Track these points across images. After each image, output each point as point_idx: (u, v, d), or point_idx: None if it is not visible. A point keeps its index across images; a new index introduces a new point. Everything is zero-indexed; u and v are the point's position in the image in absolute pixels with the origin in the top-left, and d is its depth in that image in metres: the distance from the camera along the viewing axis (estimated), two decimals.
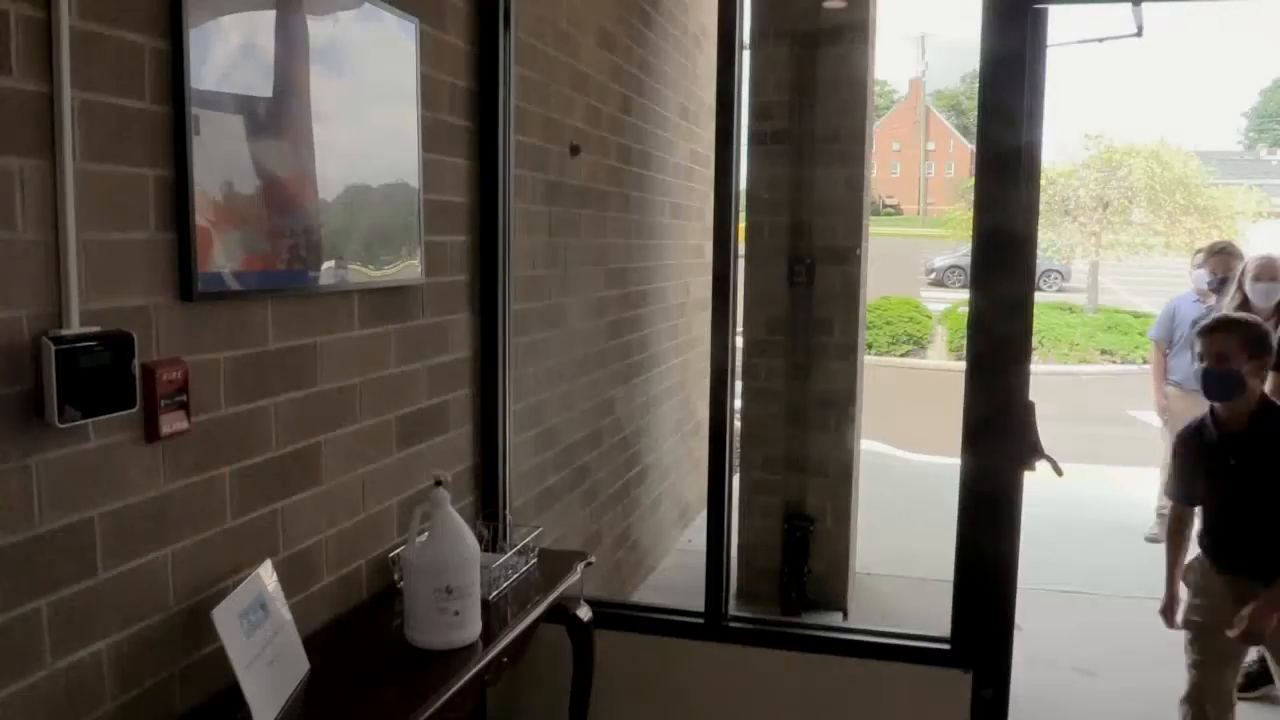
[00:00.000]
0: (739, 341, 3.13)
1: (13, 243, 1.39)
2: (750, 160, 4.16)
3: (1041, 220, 2.58)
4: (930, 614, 2.79)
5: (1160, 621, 2.89)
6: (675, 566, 4.79)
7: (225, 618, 1.66)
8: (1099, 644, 4.22)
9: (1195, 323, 3.63)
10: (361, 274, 2.18)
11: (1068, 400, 10.74)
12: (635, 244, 4.27)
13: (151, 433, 1.62)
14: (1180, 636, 2.86)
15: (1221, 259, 4.85)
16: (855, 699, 2.66)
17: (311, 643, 1.94)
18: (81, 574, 1.52)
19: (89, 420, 1.49)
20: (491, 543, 2.48)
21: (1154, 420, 5.54)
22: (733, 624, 2.79)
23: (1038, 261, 2.62)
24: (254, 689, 1.67)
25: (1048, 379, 12.20)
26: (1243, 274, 4.21)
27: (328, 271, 2.07)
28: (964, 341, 2.57)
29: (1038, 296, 2.61)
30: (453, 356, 2.63)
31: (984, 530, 2.48)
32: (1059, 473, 2.48)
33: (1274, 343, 2.75)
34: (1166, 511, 2.96)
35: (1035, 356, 2.75)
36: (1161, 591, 2.88)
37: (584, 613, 2.51)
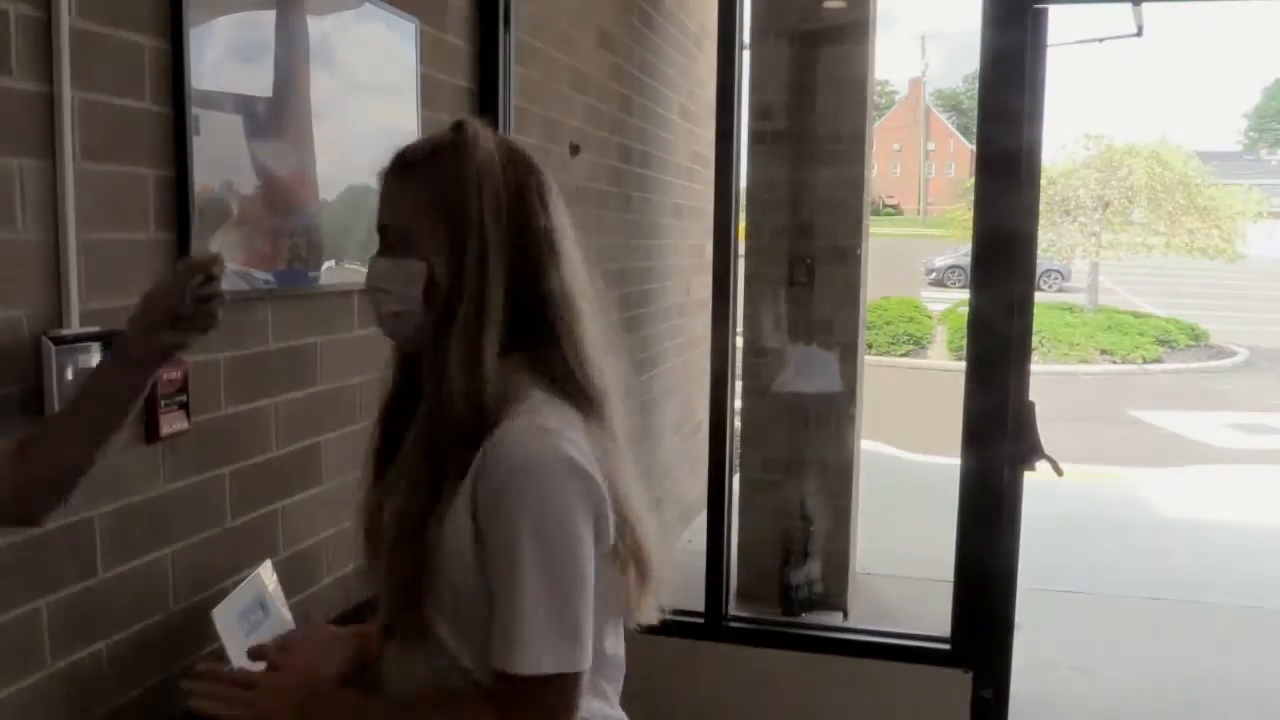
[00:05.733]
0: (739, 341, 3.13)
1: (13, 243, 1.39)
2: (750, 160, 4.16)
3: (1041, 220, 2.57)
4: (930, 614, 2.79)
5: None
6: (675, 566, 4.79)
7: (225, 618, 1.66)
8: (1099, 644, 4.22)
9: None
10: (362, 274, 2.18)
11: (1068, 400, 10.74)
12: (635, 244, 4.27)
13: (151, 433, 1.62)
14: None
15: None
16: (855, 699, 2.66)
17: None
18: (81, 574, 1.52)
19: None
20: None
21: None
22: (733, 624, 2.78)
23: (1038, 261, 2.62)
24: None
25: (1048, 379, 12.21)
26: None
27: (328, 271, 2.07)
28: (964, 341, 2.57)
29: (1038, 296, 2.61)
30: None
31: (984, 530, 2.48)
32: (1059, 473, 2.47)
33: None
34: None
35: (1035, 356, 2.74)
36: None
37: None
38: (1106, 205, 18.32)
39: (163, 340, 1.11)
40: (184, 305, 1.10)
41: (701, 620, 2.75)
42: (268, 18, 1.87)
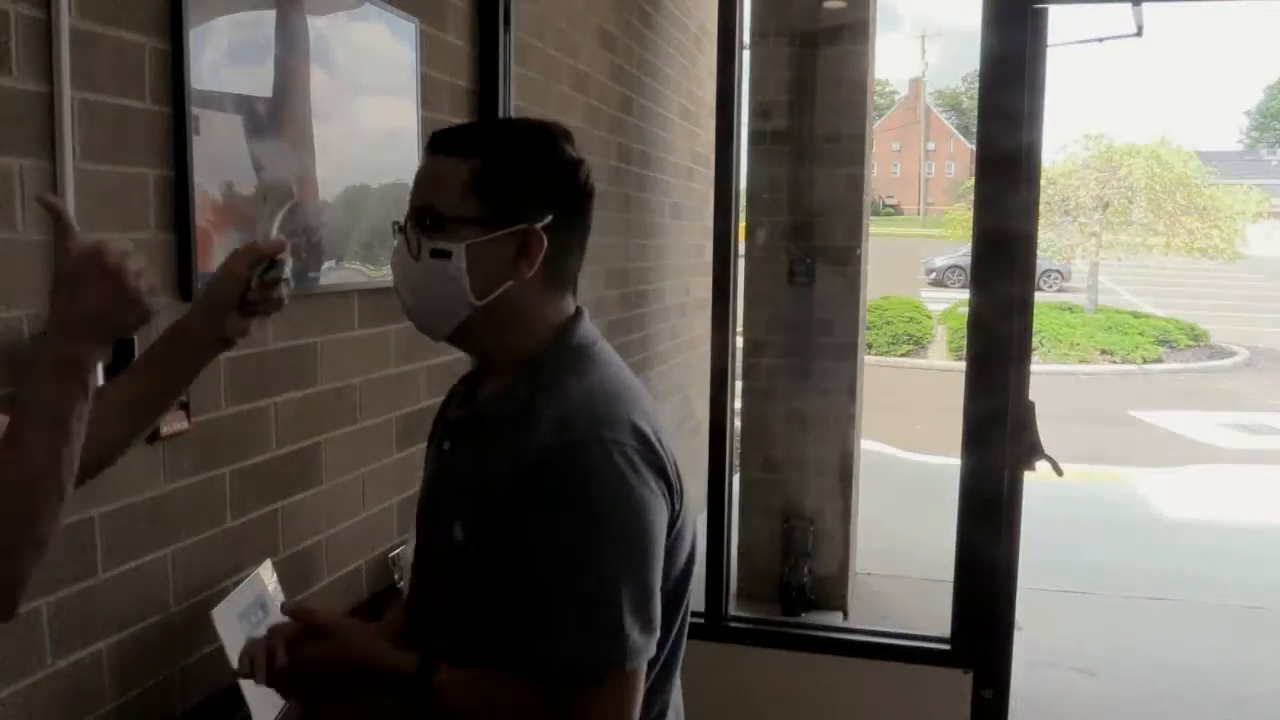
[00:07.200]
0: (739, 341, 3.13)
1: (13, 243, 1.39)
2: (750, 160, 4.16)
3: (1041, 220, 2.58)
4: (930, 614, 2.79)
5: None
6: None
7: (225, 618, 1.67)
8: (1099, 644, 4.22)
9: None
10: (361, 274, 2.18)
11: (1068, 400, 10.74)
12: (635, 244, 4.27)
13: (151, 433, 1.61)
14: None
15: None
16: (855, 699, 2.66)
17: None
18: (81, 574, 1.52)
19: None
20: None
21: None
22: (733, 624, 2.79)
23: (1038, 261, 2.62)
24: (254, 690, 1.67)
25: (1048, 379, 12.21)
26: None
27: (328, 271, 2.07)
28: (964, 341, 2.57)
29: (1038, 296, 2.61)
30: (453, 356, 2.62)
31: (984, 530, 2.48)
32: (1059, 473, 2.48)
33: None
34: None
35: (1035, 356, 2.74)
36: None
37: None
38: (1106, 205, 18.33)
39: (229, 325, 1.14)
40: (251, 290, 1.13)
41: (702, 620, 2.75)
42: (268, 18, 1.87)
